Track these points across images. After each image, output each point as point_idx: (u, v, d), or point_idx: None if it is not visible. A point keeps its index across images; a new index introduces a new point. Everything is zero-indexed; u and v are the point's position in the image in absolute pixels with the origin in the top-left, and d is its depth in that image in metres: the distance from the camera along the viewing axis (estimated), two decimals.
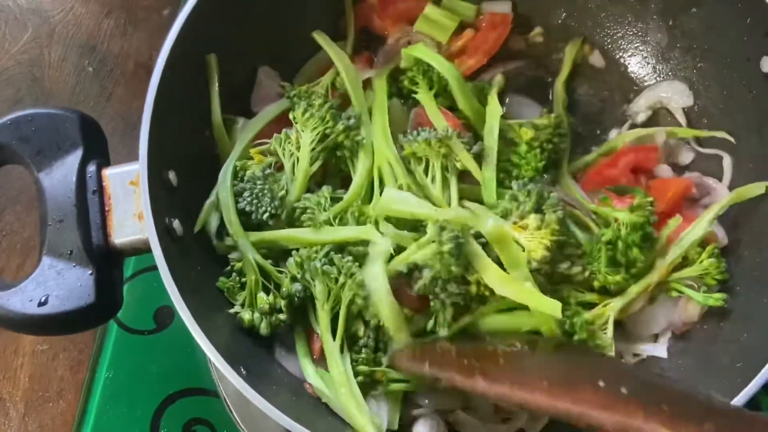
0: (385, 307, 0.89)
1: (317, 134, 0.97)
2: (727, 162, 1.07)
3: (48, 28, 1.46)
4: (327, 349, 0.91)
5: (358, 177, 0.98)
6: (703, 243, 0.98)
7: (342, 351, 0.91)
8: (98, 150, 0.92)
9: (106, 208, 0.88)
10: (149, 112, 0.87)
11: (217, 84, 1.00)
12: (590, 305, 0.95)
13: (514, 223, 0.90)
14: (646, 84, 1.16)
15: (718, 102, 1.08)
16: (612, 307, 0.94)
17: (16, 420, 1.18)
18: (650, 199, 0.96)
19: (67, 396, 1.19)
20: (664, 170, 1.10)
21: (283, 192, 0.96)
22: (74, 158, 0.89)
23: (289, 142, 0.98)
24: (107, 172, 0.90)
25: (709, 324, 0.99)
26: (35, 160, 0.88)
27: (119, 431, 1.15)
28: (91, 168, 0.89)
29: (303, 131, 0.97)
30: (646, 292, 0.96)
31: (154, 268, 1.18)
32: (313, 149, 0.97)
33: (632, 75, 1.17)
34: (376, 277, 0.89)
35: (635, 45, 1.16)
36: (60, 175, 0.88)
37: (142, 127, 0.86)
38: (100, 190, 0.89)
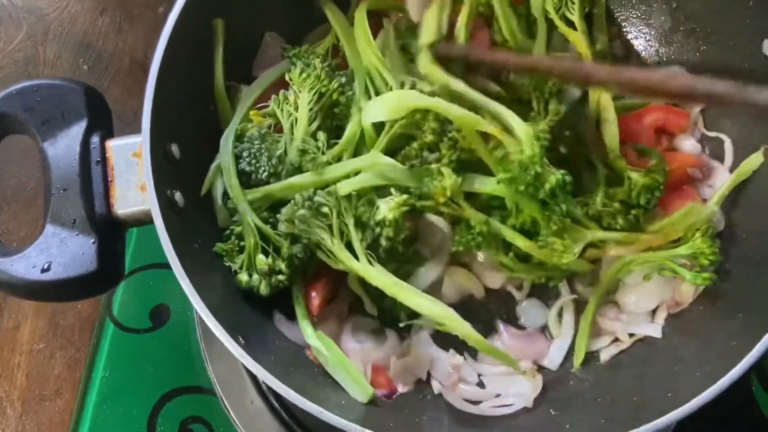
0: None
1: (314, 93, 0.98)
2: (728, 145, 1.07)
3: (43, 27, 1.47)
4: (360, 272, 0.91)
5: (352, 124, 0.98)
6: None
7: (371, 264, 0.91)
8: (102, 122, 0.94)
9: (109, 179, 0.90)
10: (153, 84, 0.88)
11: (222, 50, 1.01)
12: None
13: None
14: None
15: None
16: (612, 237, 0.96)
17: (14, 419, 1.19)
18: (666, 167, 0.98)
19: (65, 395, 1.20)
20: (686, 143, 1.09)
21: (281, 151, 0.97)
22: (78, 129, 0.91)
23: (287, 103, 0.99)
24: (111, 144, 0.92)
25: (705, 304, 1.00)
26: (40, 130, 0.91)
27: (116, 430, 1.16)
28: (95, 139, 0.91)
29: (300, 91, 0.99)
30: (642, 252, 0.98)
31: (150, 266, 1.25)
32: (311, 109, 0.98)
33: (635, 58, 1.17)
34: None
35: (639, 28, 1.16)
36: (64, 145, 0.90)
37: (145, 98, 0.88)
38: (104, 161, 0.91)
